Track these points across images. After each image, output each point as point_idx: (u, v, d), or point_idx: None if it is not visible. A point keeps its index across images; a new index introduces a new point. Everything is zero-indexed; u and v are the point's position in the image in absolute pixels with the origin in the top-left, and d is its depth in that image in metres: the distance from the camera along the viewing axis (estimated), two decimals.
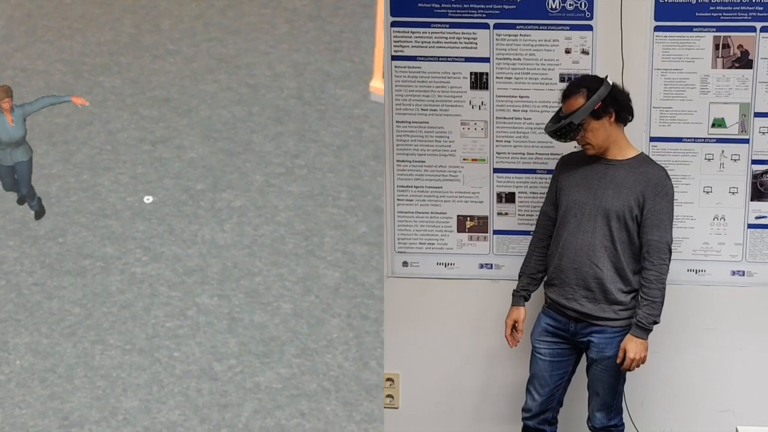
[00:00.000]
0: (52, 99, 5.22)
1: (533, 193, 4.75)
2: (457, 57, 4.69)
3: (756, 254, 4.67)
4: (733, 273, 4.70)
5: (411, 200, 4.81)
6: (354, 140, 5.67)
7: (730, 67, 4.57)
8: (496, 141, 4.74)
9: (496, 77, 4.69)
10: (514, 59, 4.67)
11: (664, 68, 4.61)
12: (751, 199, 4.65)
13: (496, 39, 4.66)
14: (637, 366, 4.15)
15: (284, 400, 4.48)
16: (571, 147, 4.46)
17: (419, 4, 4.65)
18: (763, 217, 4.66)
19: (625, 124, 4.24)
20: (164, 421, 4.40)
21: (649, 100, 4.62)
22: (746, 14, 4.52)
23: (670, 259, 4.13)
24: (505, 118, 4.72)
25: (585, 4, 4.58)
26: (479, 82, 4.70)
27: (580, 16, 4.61)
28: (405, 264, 4.85)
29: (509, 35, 4.66)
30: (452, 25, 4.67)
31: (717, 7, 4.54)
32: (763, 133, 4.61)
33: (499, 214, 4.79)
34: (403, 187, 4.80)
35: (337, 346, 4.70)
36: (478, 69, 4.70)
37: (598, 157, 4.25)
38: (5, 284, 4.98)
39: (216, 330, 4.74)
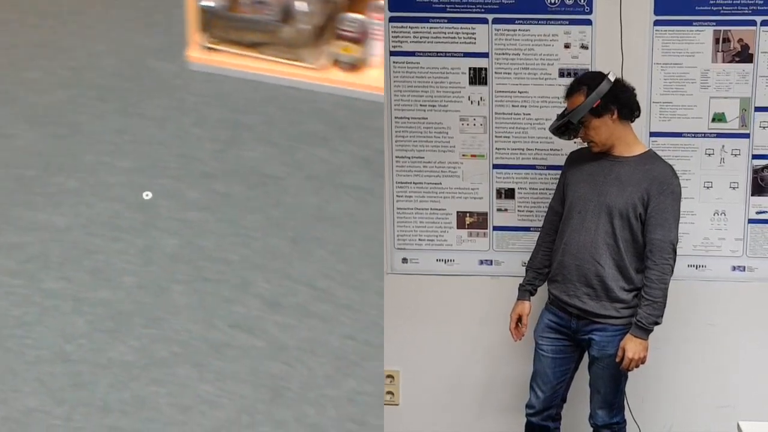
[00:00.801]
0: None
1: (533, 189, 4.73)
2: (455, 52, 4.66)
3: (756, 249, 4.67)
4: (734, 268, 4.69)
5: (410, 197, 4.79)
6: (177, 111, 5.70)
7: (730, 62, 4.55)
8: (496, 137, 4.72)
9: (495, 72, 4.66)
10: (513, 54, 4.65)
11: (663, 63, 4.59)
12: (752, 194, 4.64)
13: (495, 34, 4.64)
14: (636, 366, 4.13)
15: (137, 371, 4.47)
16: (574, 144, 4.44)
17: (417, 0, 4.62)
18: (763, 212, 4.65)
19: (632, 121, 4.22)
20: (22, 409, 4.34)
21: (648, 95, 4.60)
22: (746, 8, 4.51)
23: (674, 259, 4.11)
24: (504, 113, 4.69)
25: None
26: (478, 77, 4.68)
27: (579, 11, 4.59)
28: (404, 260, 4.84)
29: (508, 30, 4.63)
30: (451, 20, 4.64)
31: (717, 1, 4.51)
32: (764, 127, 4.59)
33: (498, 210, 4.77)
34: (402, 183, 4.78)
35: (182, 312, 4.69)
36: (476, 64, 4.67)
37: (604, 153, 4.23)
38: None
39: (62, 312, 4.71)
